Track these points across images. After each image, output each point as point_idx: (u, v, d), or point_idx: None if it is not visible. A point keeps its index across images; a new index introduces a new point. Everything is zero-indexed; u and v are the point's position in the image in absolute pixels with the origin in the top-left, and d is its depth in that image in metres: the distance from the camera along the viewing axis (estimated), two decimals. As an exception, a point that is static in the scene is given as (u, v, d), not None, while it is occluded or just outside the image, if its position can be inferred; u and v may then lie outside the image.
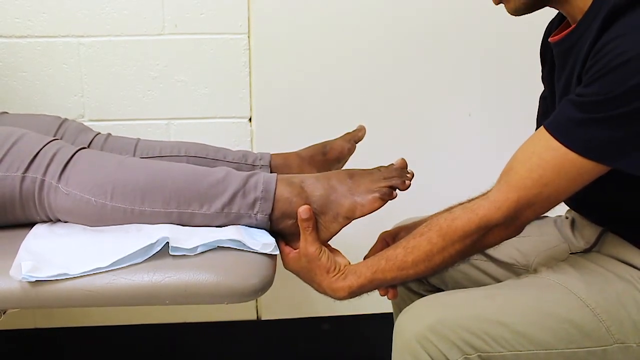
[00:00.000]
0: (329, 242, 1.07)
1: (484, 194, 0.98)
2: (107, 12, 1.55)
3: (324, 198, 1.03)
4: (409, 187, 1.04)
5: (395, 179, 1.03)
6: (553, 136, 0.91)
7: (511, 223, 0.95)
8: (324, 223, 1.04)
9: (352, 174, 1.06)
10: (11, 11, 1.53)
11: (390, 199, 1.03)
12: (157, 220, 1.01)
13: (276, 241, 1.04)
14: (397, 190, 1.04)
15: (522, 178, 0.93)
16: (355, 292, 1.02)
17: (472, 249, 0.98)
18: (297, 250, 1.04)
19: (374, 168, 1.08)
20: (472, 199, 0.99)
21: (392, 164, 1.08)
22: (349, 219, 1.04)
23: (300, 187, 1.03)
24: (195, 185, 1.01)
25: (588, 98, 0.88)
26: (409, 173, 1.06)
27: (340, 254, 1.07)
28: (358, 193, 1.03)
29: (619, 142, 0.88)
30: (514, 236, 0.99)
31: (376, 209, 1.03)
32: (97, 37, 1.56)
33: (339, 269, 1.02)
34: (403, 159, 1.08)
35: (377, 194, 1.02)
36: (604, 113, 0.87)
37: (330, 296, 1.03)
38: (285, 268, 1.06)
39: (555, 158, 0.91)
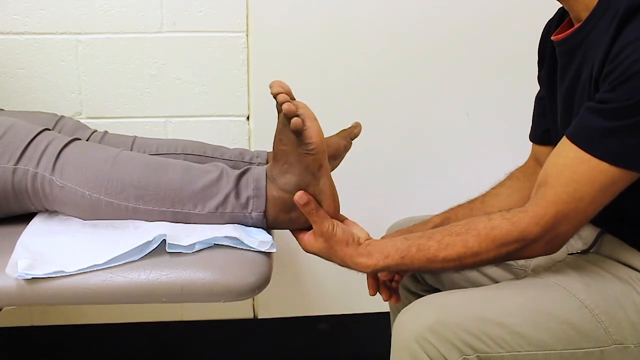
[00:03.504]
0: (342, 215, 1.06)
1: (523, 207, 0.96)
2: (105, 9, 1.54)
3: (298, 175, 1.00)
4: (290, 109, 0.95)
5: (280, 107, 0.97)
6: (581, 148, 0.91)
7: (549, 239, 0.95)
8: (318, 189, 1.01)
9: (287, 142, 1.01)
10: (9, 8, 1.52)
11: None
12: (151, 217, 1.01)
13: (292, 230, 1.04)
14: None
15: (557, 193, 0.93)
16: (378, 270, 1.01)
17: (505, 258, 0.98)
18: (311, 231, 1.03)
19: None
20: (511, 210, 0.97)
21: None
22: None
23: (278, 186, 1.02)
24: (189, 186, 1.01)
25: (612, 105, 0.88)
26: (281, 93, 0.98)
27: (357, 225, 1.06)
28: (306, 144, 0.98)
29: None
30: (552, 253, 0.98)
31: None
32: (95, 34, 1.56)
33: (358, 241, 1.01)
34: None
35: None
36: (631, 119, 0.86)
37: (353, 269, 1.01)
38: (306, 252, 1.05)
39: (588, 170, 0.90)
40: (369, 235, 1.04)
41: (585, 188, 0.91)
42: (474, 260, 0.97)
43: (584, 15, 0.98)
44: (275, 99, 0.97)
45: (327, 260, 1.03)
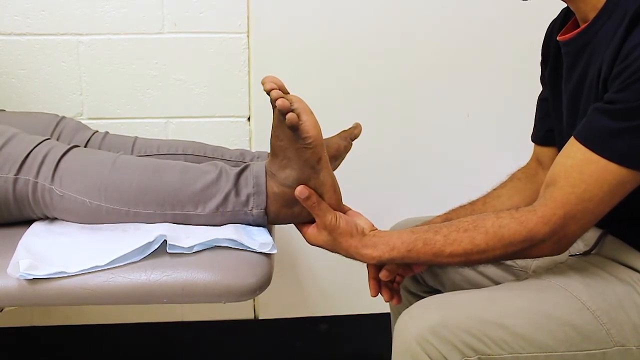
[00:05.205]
0: (346, 205, 1.06)
1: (531, 207, 0.96)
2: (106, 10, 1.55)
3: (298, 169, 0.99)
4: (284, 105, 0.94)
5: (274, 103, 0.95)
6: (589, 149, 0.91)
7: (557, 239, 0.95)
8: (319, 182, 1.00)
9: (282, 138, 0.99)
10: (10, 8, 1.52)
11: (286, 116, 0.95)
12: (153, 220, 1.01)
13: (295, 224, 1.03)
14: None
15: (566, 194, 0.93)
16: (383, 262, 1.01)
17: (512, 256, 0.98)
18: (315, 224, 1.02)
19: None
20: (520, 209, 0.97)
21: None
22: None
23: (278, 181, 1.02)
24: (189, 187, 1.01)
25: (621, 105, 0.88)
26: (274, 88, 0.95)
27: (361, 215, 1.05)
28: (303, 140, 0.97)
29: None
30: (559, 253, 0.98)
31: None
32: (96, 35, 1.56)
33: (362, 231, 1.01)
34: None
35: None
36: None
37: (358, 260, 1.01)
38: (310, 245, 1.04)
39: (596, 171, 0.90)
40: (373, 226, 1.04)
41: (593, 189, 0.91)
42: (479, 257, 0.97)
43: (591, 15, 0.98)
44: (269, 95, 0.96)
45: (332, 252, 1.03)
